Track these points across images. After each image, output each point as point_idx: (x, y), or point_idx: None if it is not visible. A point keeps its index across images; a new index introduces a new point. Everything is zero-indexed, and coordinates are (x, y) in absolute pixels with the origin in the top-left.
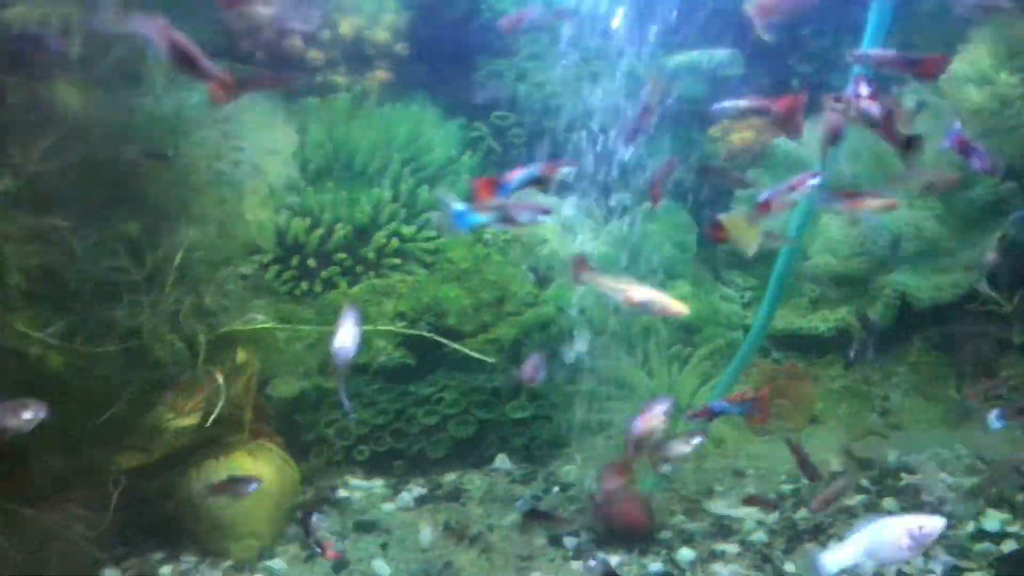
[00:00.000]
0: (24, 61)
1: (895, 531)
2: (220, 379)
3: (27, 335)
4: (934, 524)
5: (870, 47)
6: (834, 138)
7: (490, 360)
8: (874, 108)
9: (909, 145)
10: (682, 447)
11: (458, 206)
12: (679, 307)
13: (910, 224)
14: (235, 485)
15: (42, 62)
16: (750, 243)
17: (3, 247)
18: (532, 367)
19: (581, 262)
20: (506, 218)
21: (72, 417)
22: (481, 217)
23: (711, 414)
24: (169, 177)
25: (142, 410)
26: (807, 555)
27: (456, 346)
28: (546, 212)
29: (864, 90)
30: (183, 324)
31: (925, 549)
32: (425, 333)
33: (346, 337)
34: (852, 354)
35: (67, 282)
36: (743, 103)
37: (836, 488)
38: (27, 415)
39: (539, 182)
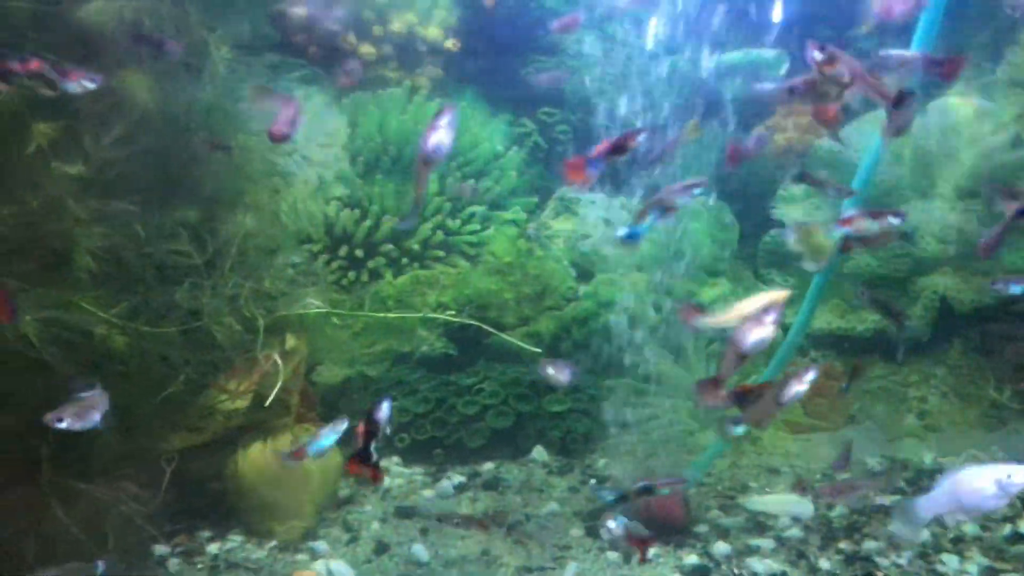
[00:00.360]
0: (97, 53)
1: (982, 479)
2: (279, 361)
3: (93, 314)
4: (1022, 473)
5: (920, 47)
6: (897, 133)
7: (537, 350)
8: (842, 70)
9: (900, 100)
10: (796, 386)
11: (624, 230)
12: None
13: (952, 226)
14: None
15: (143, 57)
16: (821, 256)
17: (73, 229)
18: (561, 370)
19: (691, 309)
20: (665, 209)
21: (131, 396)
22: (645, 224)
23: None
24: (226, 167)
25: (196, 392)
26: (902, 506)
27: (505, 336)
28: (699, 184)
29: (817, 55)
30: (242, 307)
31: (1011, 498)
32: (474, 321)
33: (442, 136)
34: (899, 356)
35: (131, 265)
36: (783, 85)
37: (858, 484)
38: (95, 416)
39: (622, 151)
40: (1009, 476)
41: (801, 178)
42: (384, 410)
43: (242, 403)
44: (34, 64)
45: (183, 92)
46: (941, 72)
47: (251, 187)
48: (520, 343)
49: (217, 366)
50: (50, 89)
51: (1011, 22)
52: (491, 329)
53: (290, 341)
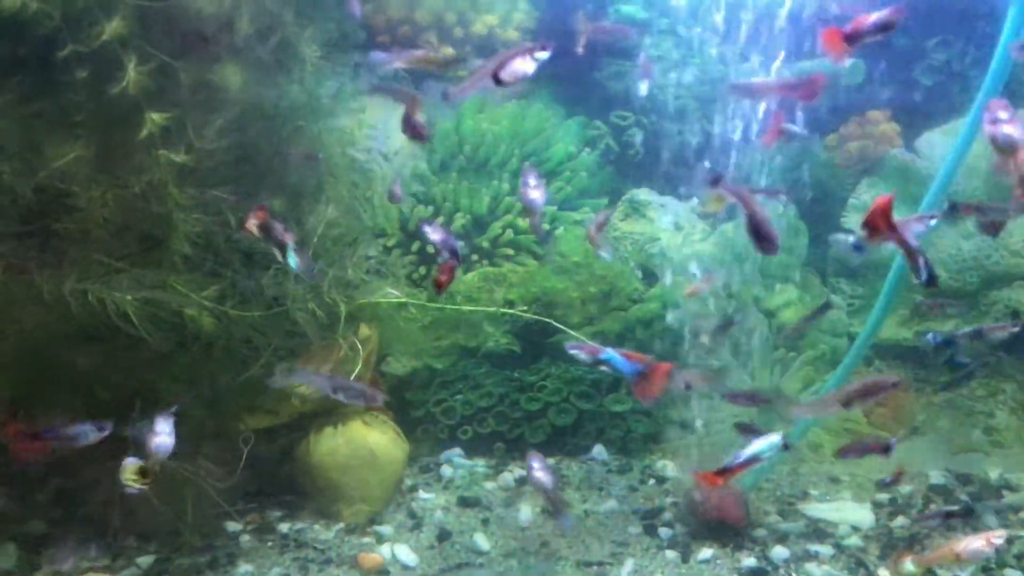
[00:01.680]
0: (196, 44)
1: None
2: (359, 346)
3: (185, 296)
4: None
5: (1001, 60)
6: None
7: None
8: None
9: None
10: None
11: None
12: None
13: None
14: None
15: (213, 46)
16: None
17: (173, 215)
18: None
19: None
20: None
21: (214, 376)
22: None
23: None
24: (310, 161)
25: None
26: None
27: (574, 334)
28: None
29: None
30: (325, 294)
31: None
32: (542, 318)
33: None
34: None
35: (221, 250)
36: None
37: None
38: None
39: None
40: None
41: (954, 209)
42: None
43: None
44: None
45: (274, 87)
46: (801, 95)
47: (332, 181)
48: (582, 338)
49: (295, 351)
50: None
51: None
52: (558, 324)
53: (364, 331)
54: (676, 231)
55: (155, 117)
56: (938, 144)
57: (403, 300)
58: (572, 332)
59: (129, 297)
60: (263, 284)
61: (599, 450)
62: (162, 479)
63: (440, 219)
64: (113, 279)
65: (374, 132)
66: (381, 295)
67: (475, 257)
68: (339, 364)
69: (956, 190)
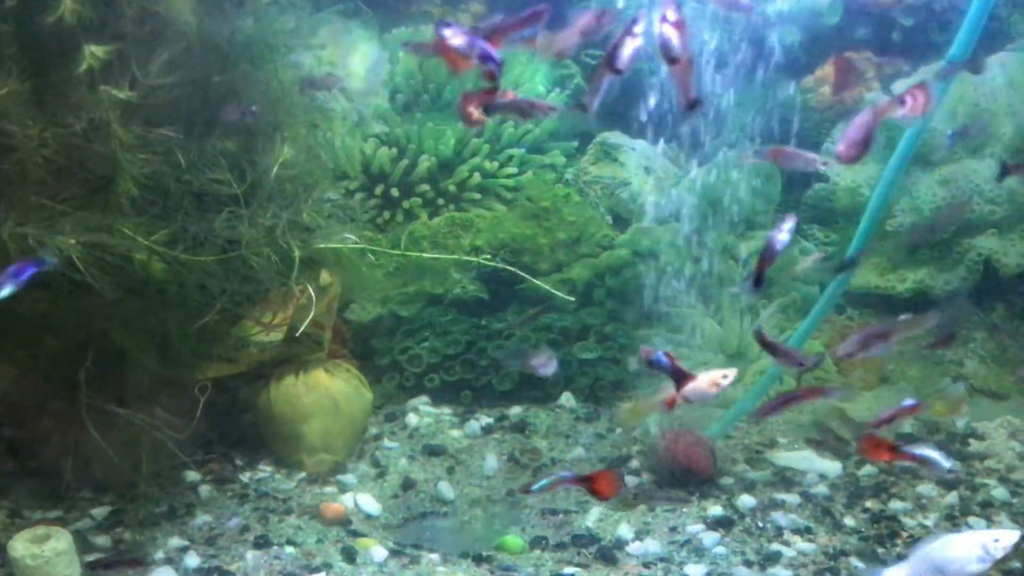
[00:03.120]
0: None
1: (966, 545)
2: (312, 294)
3: (133, 240)
4: (1010, 537)
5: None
6: None
7: (570, 299)
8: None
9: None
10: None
11: None
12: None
13: (1003, 188)
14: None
15: None
16: None
17: (118, 155)
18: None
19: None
20: None
21: (168, 324)
22: None
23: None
24: (265, 99)
25: (231, 322)
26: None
27: (537, 282)
28: None
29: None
30: (279, 238)
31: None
32: (508, 267)
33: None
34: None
35: (171, 192)
36: None
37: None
38: None
39: None
40: (996, 540)
41: (1004, 171)
42: None
43: (275, 336)
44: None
45: (225, 20)
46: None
47: (290, 120)
48: (553, 290)
49: (252, 298)
50: None
51: None
52: (525, 275)
53: (324, 277)
54: (647, 175)
55: (95, 50)
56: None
57: (360, 246)
58: (537, 281)
59: (73, 241)
60: (216, 227)
61: (567, 397)
62: (118, 430)
63: (404, 162)
64: (56, 223)
65: (334, 70)
66: (338, 240)
67: (441, 201)
68: (298, 311)
69: (931, 135)
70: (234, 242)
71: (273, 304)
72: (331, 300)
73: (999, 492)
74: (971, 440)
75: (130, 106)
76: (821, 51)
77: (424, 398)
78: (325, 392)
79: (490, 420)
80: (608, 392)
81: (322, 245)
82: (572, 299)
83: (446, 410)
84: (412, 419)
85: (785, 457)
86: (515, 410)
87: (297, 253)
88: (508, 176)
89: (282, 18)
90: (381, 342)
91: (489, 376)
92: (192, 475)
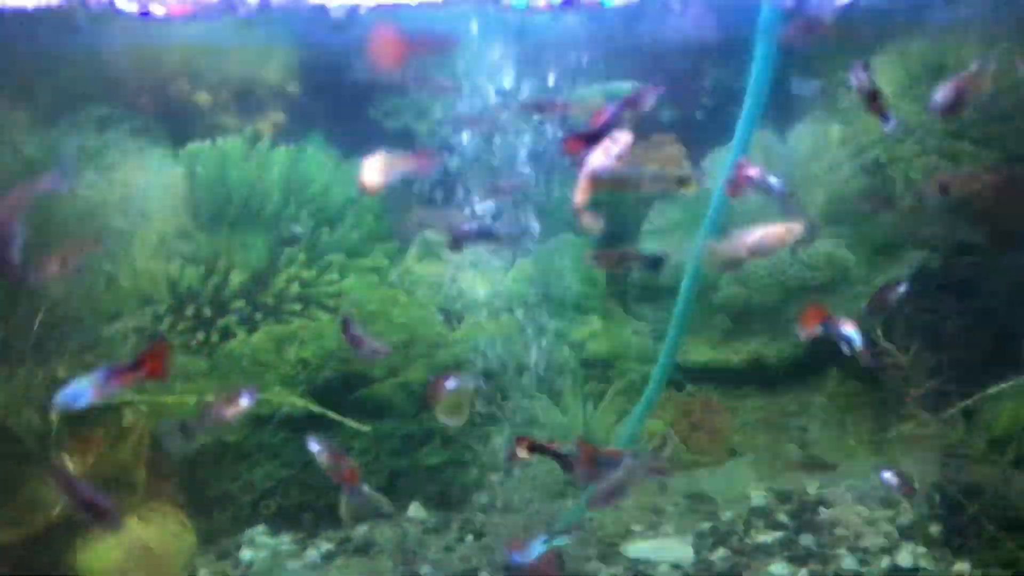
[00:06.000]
0: None
1: None
2: (69, 464)
3: None
4: None
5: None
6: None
7: (364, 428)
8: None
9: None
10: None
11: None
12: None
13: (820, 252)
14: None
15: None
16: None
17: None
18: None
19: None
20: None
21: None
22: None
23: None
24: (45, 228)
25: (14, 483)
26: None
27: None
28: None
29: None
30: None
31: None
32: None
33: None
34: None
35: None
36: None
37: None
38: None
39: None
40: None
41: (943, 189)
42: None
43: None
44: None
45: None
46: None
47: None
48: (348, 421)
49: (31, 457)
50: None
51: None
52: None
53: (128, 416)
54: (472, 270)
55: None
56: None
57: (129, 400)
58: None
59: None
60: None
61: (416, 508)
62: None
63: (214, 278)
64: None
65: (129, 190)
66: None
67: (259, 316)
68: (103, 456)
69: (744, 207)
70: None
71: (77, 450)
72: (138, 440)
73: (849, 562)
74: (821, 508)
75: None
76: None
77: (261, 527)
78: (137, 543)
79: (331, 545)
80: (460, 496)
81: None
82: (367, 428)
83: (285, 538)
84: (246, 554)
85: (638, 548)
86: (360, 529)
87: (53, 415)
88: (329, 283)
89: (63, 138)
90: (209, 471)
91: (329, 495)
92: None
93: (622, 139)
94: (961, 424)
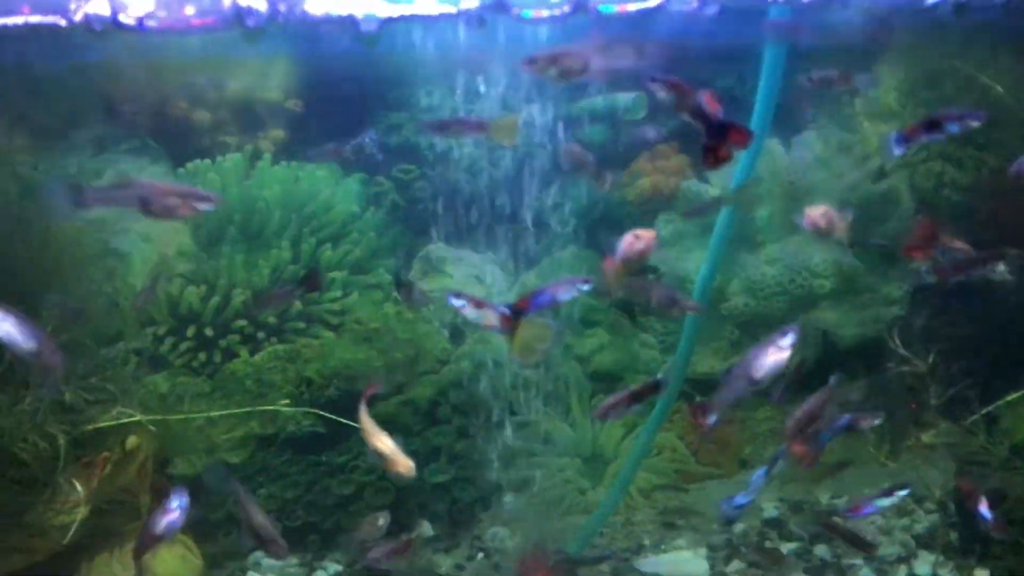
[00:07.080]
0: None
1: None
2: (78, 486)
3: None
4: None
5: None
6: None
7: None
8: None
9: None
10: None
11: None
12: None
13: (827, 260)
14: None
15: None
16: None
17: None
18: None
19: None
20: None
21: None
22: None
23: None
24: (46, 253)
25: (20, 509)
26: None
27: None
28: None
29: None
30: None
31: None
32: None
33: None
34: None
35: None
36: None
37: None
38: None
39: None
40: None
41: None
42: None
43: (75, 516)
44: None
45: None
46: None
47: (80, 271)
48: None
49: (36, 481)
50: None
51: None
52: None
53: (132, 440)
54: (478, 284)
55: None
56: (730, 172)
57: (137, 418)
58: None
59: None
60: None
61: (424, 527)
62: None
63: (215, 299)
64: None
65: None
66: (115, 416)
67: (262, 335)
68: (106, 480)
69: (750, 216)
70: None
71: (78, 477)
72: (142, 463)
73: (865, 572)
74: (835, 518)
75: None
76: (632, 145)
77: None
78: (145, 567)
79: (339, 567)
80: (468, 513)
81: (93, 426)
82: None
83: (292, 560)
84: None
85: (652, 563)
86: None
87: (62, 439)
88: (333, 300)
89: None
90: (212, 494)
91: (336, 515)
92: None
93: (645, 235)
94: (982, 431)
